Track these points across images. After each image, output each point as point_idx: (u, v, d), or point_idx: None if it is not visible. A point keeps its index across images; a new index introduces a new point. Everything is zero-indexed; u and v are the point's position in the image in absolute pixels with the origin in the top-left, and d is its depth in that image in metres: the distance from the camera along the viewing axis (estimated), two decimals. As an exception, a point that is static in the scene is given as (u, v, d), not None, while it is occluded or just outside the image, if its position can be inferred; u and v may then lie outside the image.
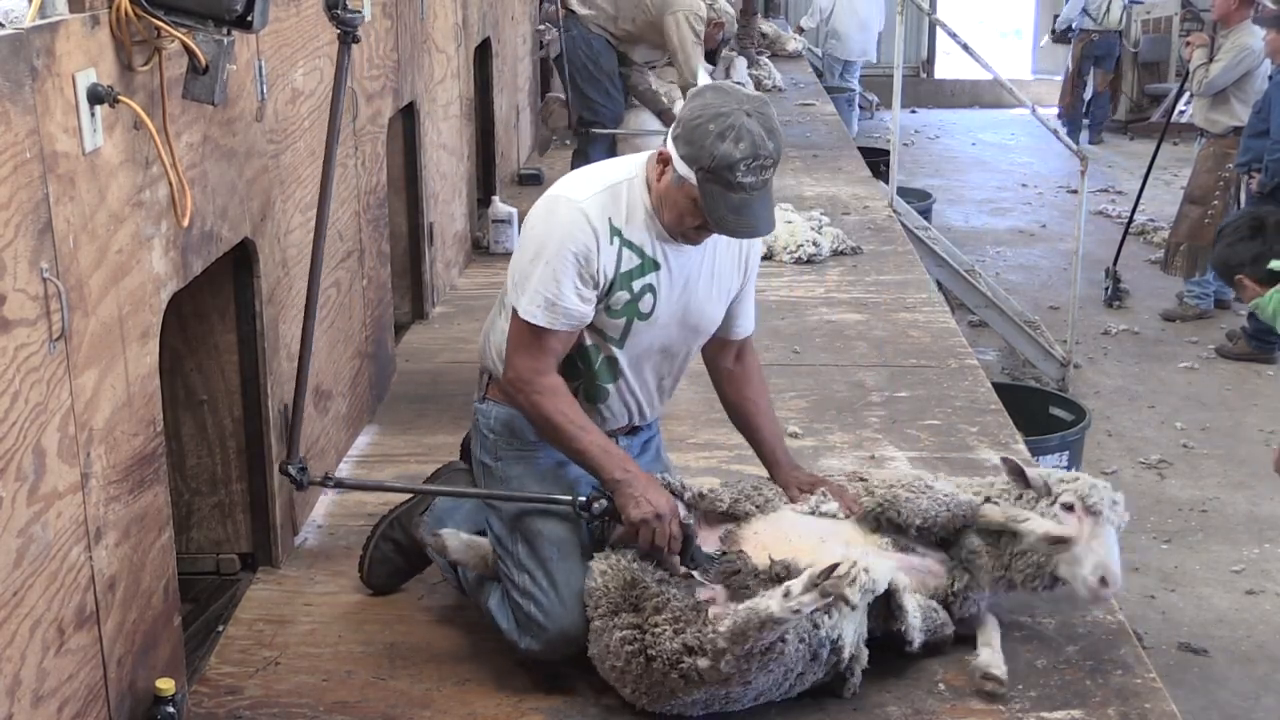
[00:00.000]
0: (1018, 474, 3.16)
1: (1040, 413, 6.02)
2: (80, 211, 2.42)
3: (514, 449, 3.12)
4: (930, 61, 17.22)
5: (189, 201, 2.83)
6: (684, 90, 6.94)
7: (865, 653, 2.92)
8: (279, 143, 3.53)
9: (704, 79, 7.11)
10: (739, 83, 9.19)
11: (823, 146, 9.16)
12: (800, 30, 13.83)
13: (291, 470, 3.34)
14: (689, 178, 2.84)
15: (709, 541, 3.05)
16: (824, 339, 5.40)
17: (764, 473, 3.32)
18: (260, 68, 3.34)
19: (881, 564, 2.94)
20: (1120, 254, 9.24)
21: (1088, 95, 14.08)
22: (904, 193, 8.58)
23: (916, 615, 2.99)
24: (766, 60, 11.55)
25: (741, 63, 9.21)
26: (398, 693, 3.04)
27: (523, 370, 2.97)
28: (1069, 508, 3.07)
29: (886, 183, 8.13)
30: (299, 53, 3.68)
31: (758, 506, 3.15)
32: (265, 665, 3.16)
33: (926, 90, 16.71)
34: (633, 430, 3.23)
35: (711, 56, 8.50)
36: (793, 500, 3.20)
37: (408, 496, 3.49)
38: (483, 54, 7.02)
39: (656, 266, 2.99)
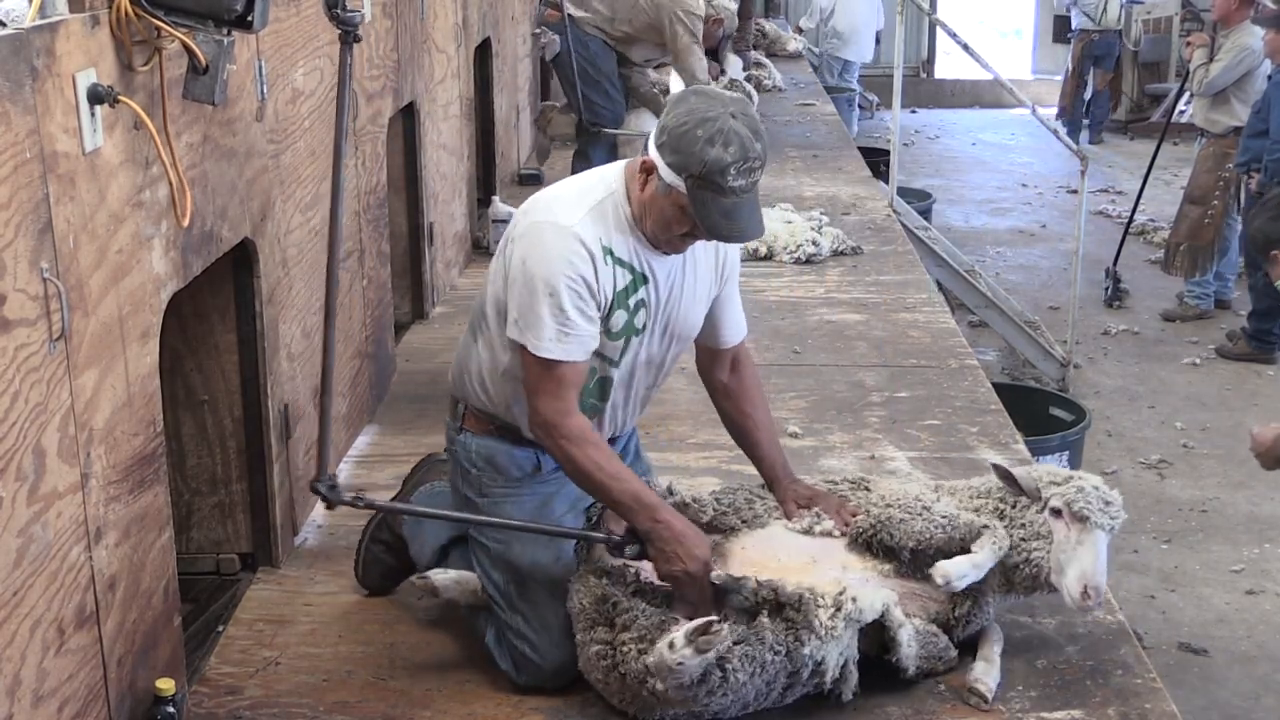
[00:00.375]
0: (1008, 479, 3.09)
1: (1040, 413, 6.02)
2: (80, 211, 2.42)
3: (499, 485, 3.07)
4: (930, 61, 17.21)
5: (189, 201, 2.83)
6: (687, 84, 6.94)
7: (854, 675, 2.88)
8: (279, 143, 3.53)
9: (704, 78, 7.11)
10: (734, 79, 9.20)
11: (823, 146, 9.16)
12: (799, 30, 13.83)
13: (322, 488, 3.13)
14: (677, 185, 2.79)
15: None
16: (824, 339, 5.40)
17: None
18: (260, 68, 3.34)
19: (873, 593, 2.89)
20: (1120, 254, 9.24)
21: (1088, 95, 14.09)
22: (904, 193, 8.58)
23: (912, 645, 2.93)
24: (766, 60, 11.53)
25: (737, 62, 9.17)
26: (398, 693, 3.04)
27: (549, 414, 2.87)
28: (1057, 512, 3.01)
29: (886, 183, 8.13)
30: (299, 53, 3.68)
31: (745, 521, 3.09)
32: (265, 665, 3.16)
33: (926, 90, 16.71)
34: (610, 440, 3.16)
35: (714, 54, 8.50)
36: (789, 517, 3.14)
37: (395, 496, 3.48)
38: (483, 54, 7.02)
39: (645, 280, 2.94)
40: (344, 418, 4.22)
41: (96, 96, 2.43)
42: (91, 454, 2.49)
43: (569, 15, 7.02)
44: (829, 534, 3.09)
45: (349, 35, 2.97)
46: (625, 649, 2.77)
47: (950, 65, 16.72)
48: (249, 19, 2.64)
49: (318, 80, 3.85)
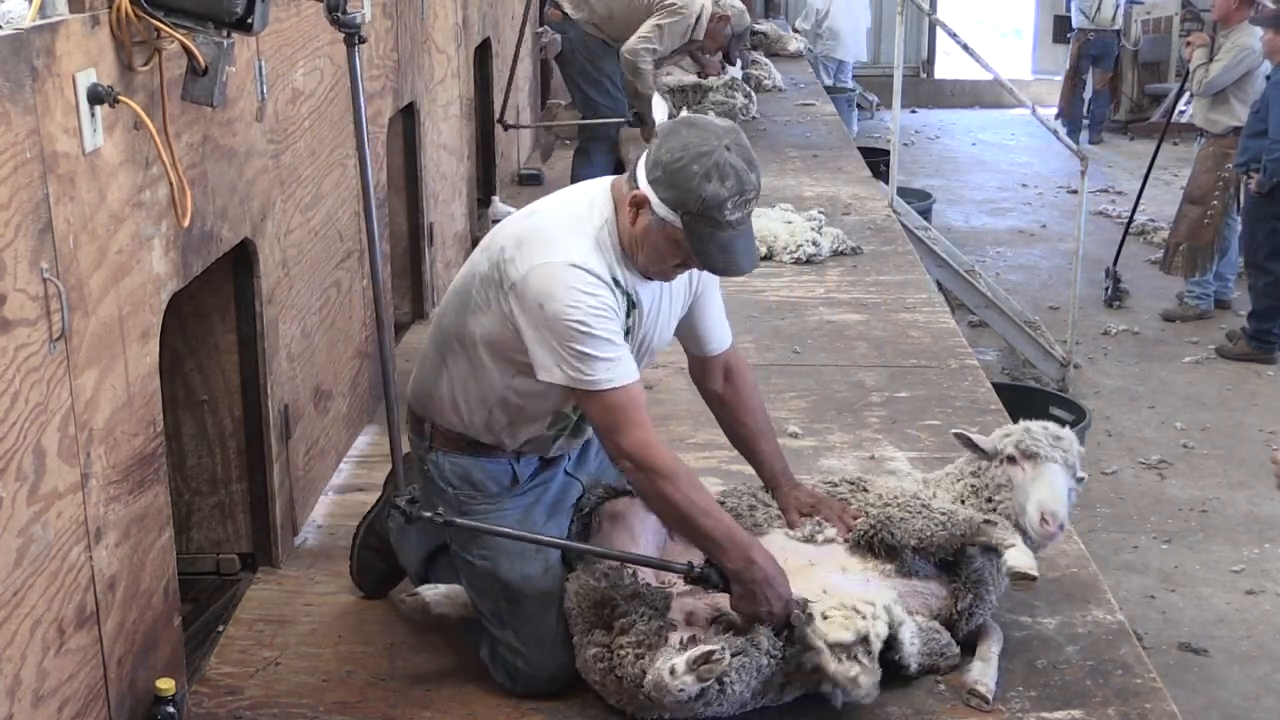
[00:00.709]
0: (969, 445, 3.18)
1: (1040, 413, 5.93)
2: (80, 211, 2.43)
3: (479, 503, 3.03)
4: (930, 61, 17.21)
5: (189, 201, 2.83)
6: (620, 54, 6.87)
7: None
8: (279, 143, 3.54)
9: (661, 107, 7.10)
10: (734, 79, 9.17)
11: (823, 146, 9.15)
12: (795, 30, 13.85)
13: (401, 503, 3.04)
14: (672, 221, 2.76)
15: (687, 555, 2.96)
16: (824, 339, 5.40)
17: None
18: (260, 68, 3.34)
19: (881, 596, 2.90)
20: (1120, 254, 9.23)
21: (1087, 95, 14.09)
22: (904, 193, 8.58)
23: (914, 642, 2.94)
24: (766, 60, 11.53)
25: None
26: (398, 693, 3.04)
27: (635, 450, 2.77)
28: (1012, 459, 3.08)
29: (886, 183, 8.13)
30: (299, 53, 3.68)
31: (746, 530, 3.05)
32: (265, 665, 3.16)
33: (926, 90, 16.70)
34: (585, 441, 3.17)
35: (726, 56, 8.48)
36: (790, 524, 3.15)
37: (376, 501, 3.47)
38: (483, 54, 7.03)
39: (634, 305, 2.92)
40: (344, 418, 4.22)
41: (96, 96, 2.44)
42: (91, 454, 2.50)
43: (567, 15, 7.02)
44: (831, 541, 3.10)
45: (353, 38, 2.97)
46: (623, 653, 2.77)
47: (950, 65, 16.72)
48: (249, 21, 2.64)
49: (318, 80, 3.85)
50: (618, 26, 7.05)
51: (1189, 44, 8.87)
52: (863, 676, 2.78)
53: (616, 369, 2.77)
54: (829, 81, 12.87)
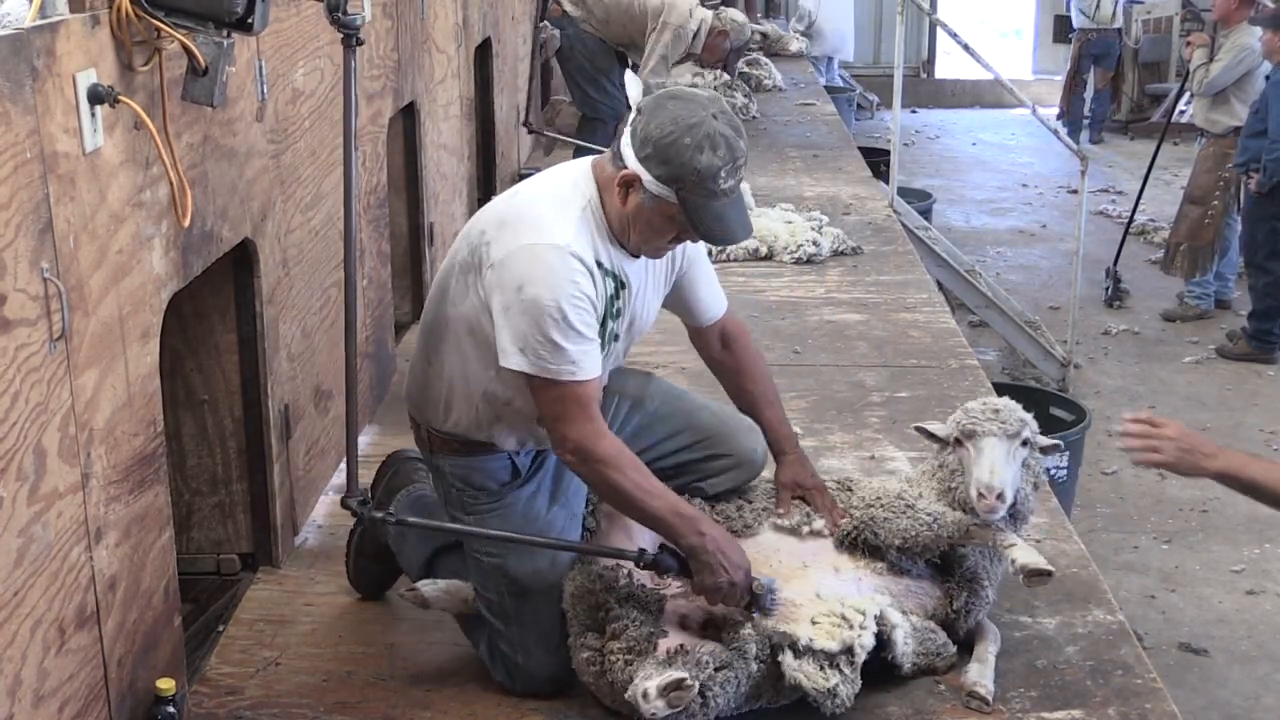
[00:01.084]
0: (930, 437, 3.18)
1: (1040, 413, 5.97)
2: (80, 211, 2.43)
3: (483, 502, 3.03)
4: (930, 61, 17.21)
5: (189, 201, 2.83)
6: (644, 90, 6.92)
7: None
8: (279, 143, 3.54)
9: (635, 83, 7.09)
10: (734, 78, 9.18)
11: (823, 146, 9.15)
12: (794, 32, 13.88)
13: (353, 504, 3.06)
14: (666, 196, 2.75)
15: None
16: (824, 339, 5.40)
17: (766, 471, 3.29)
18: (260, 68, 3.34)
19: (873, 601, 2.90)
20: (1120, 254, 9.24)
21: (1088, 94, 14.09)
22: (904, 193, 8.58)
23: (908, 643, 2.94)
24: (766, 60, 11.53)
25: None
26: (398, 693, 3.04)
27: (582, 439, 2.78)
28: (959, 442, 3.08)
29: (886, 183, 8.13)
30: (299, 53, 3.68)
31: (736, 532, 3.06)
32: (265, 665, 3.16)
33: (927, 90, 16.71)
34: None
35: (725, 69, 8.49)
36: (781, 505, 3.14)
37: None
38: (483, 54, 7.02)
39: (623, 285, 2.92)
40: (344, 418, 4.21)
41: (97, 96, 2.44)
42: (92, 454, 2.50)
43: (566, 13, 7.03)
44: (819, 534, 3.10)
45: (351, 39, 2.97)
46: (613, 658, 2.77)
47: (950, 65, 16.73)
48: (249, 21, 2.64)
49: (318, 80, 3.85)
50: (614, 31, 7.07)
51: (1189, 44, 8.87)
52: (841, 687, 2.76)
53: (582, 362, 2.77)
54: (822, 81, 12.89)
